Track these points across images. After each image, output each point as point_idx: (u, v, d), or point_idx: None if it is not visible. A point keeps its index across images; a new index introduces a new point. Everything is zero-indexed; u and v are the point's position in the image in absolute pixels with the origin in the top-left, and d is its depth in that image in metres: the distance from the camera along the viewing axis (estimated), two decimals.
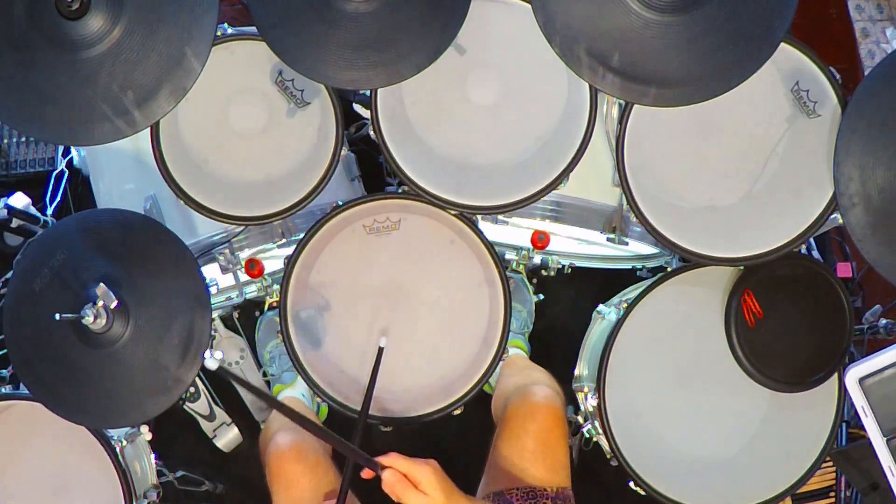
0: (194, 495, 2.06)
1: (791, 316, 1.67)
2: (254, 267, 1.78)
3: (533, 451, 1.56)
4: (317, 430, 1.40)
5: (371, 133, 1.64)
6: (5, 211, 2.11)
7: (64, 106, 1.40)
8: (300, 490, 1.55)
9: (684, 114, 1.54)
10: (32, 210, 2.19)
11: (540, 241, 1.82)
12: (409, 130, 1.69)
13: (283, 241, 1.78)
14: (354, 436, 1.49)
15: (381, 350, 1.56)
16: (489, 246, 1.70)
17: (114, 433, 1.63)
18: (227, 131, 1.69)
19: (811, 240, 1.93)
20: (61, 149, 2.30)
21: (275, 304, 1.91)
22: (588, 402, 1.73)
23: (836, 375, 1.68)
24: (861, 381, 1.47)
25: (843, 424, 1.84)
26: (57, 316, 1.35)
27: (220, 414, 2.13)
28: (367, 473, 1.31)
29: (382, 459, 1.29)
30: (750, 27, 1.41)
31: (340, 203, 1.69)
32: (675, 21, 1.39)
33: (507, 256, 2.05)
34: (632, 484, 1.69)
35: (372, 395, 1.55)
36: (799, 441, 1.72)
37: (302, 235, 1.69)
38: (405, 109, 1.69)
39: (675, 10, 1.39)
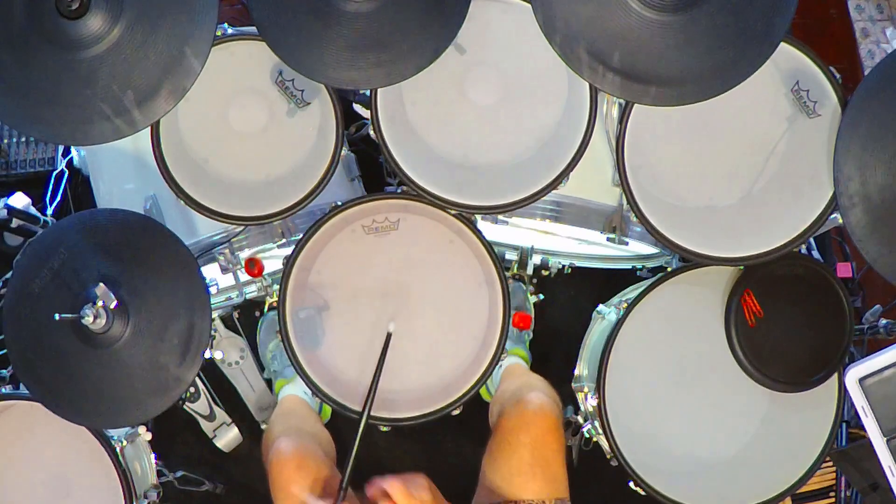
0: (194, 495, 2.06)
1: (791, 316, 1.67)
2: (253, 266, 1.78)
3: (530, 464, 1.55)
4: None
5: (371, 133, 1.64)
6: (5, 211, 2.11)
7: (64, 106, 1.40)
8: (302, 497, 1.55)
9: (684, 113, 1.54)
10: (32, 210, 2.18)
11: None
12: (409, 130, 1.69)
13: (283, 241, 1.78)
14: (362, 420, 1.52)
15: (389, 336, 1.55)
16: (488, 246, 1.70)
17: (114, 433, 1.63)
18: (227, 131, 1.69)
19: (811, 240, 1.93)
20: (61, 149, 2.30)
21: (275, 305, 1.91)
22: (588, 402, 1.73)
23: (836, 375, 1.67)
24: (861, 381, 1.47)
25: (843, 424, 1.84)
26: (57, 316, 1.36)
27: (220, 414, 2.13)
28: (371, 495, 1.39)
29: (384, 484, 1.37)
30: (750, 27, 1.41)
31: (340, 203, 1.69)
32: (675, 21, 1.40)
33: (507, 257, 2.05)
34: (632, 484, 1.69)
35: (379, 379, 1.54)
36: (799, 441, 1.72)
37: (301, 235, 1.69)
38: (405, 109, 1.69)
39: (675, 9, 1.39)
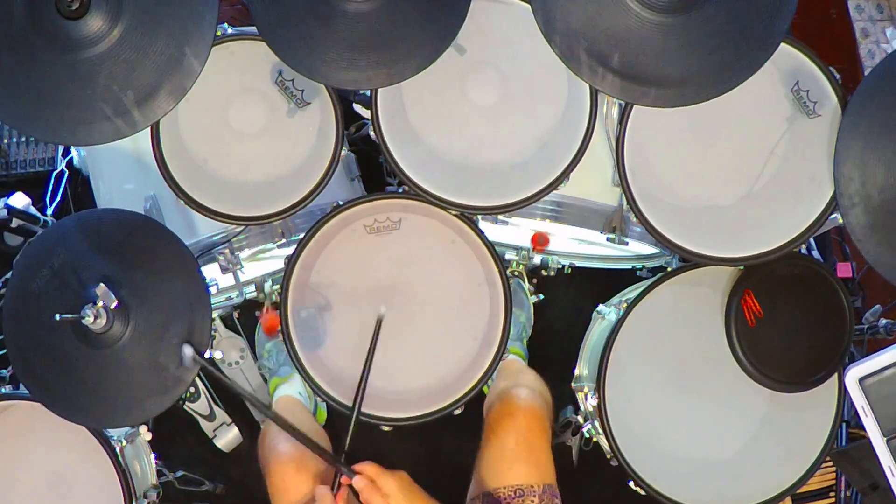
0: (194, 495, 2.06)
1: (791, 316, 1.67)
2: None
3: (514, 450, 1.57)
4: (302, 438, 1.45)
5: (371, 133, 1.64)
6: (5, 211, 2.11)
7: (64, 106, 1.40)
8: (300, 499, 1.55)
9: (684, 114, 1.54)
10: (32, 210, 2.18)
11: (539, 243, 1.81)
12: (409, 130, 1.69)
13: (283, 241, 1.78)
14: (353, 415, 1.52)
15: (380, 320, 1.55)
16: (489, 246, 1.70)
17: (114, 433, 1.63)
18: (227, 131, 1.69)
19: (811, 240, 1.93)
20: (61, 149, 2.30)
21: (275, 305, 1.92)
22: (588, 402, 1.73)
23: (836, 375, 1.67)
24: (861, 381, 1.47)
25: (843, 424, 1.84)
26: (57, 316, 1.35)
27: (220, 414, 2.13)
28: (345, 479, 1.43)
29: (357, 467, 1.41)
30: (750, 27, 1.41)
31: (340, 203, 1.69)
32: (675, 21, 1.39)
33: (507, 256, 2.05)
34: (632, 484, 1.69)
35: (370, 367, 1.53)
36: (799, 441, 1.72)
37: (302, 235, 1.69)
38: (405, 109, 1.69)
39: (675, 10, 1.39)
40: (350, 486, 1.41)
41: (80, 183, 2.25)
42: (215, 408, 2.12)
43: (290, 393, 2.00)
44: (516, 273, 2.09)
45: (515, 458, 1.57)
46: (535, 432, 1.60)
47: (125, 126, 1.41)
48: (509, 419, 1.61)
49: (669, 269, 1.73)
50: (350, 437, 1.49)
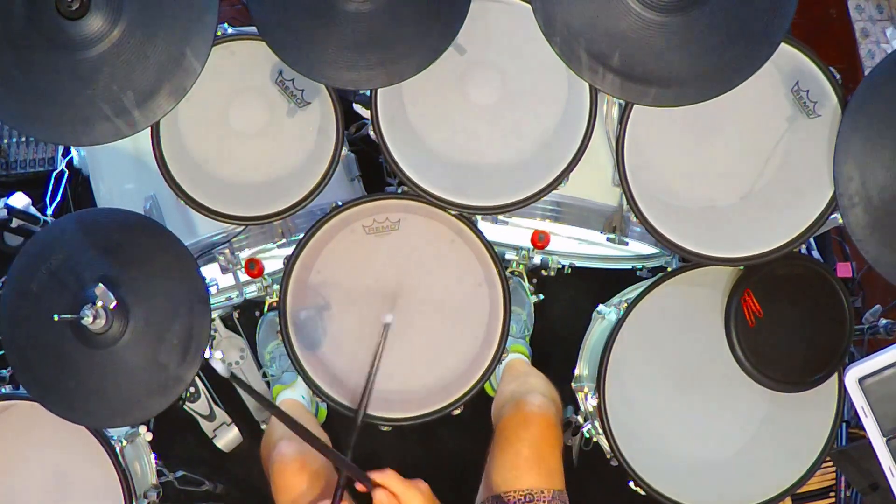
0: (194, 495, 2.06)
1: (791, 316, 1.67)
2: (254, 267, 1.78)
3: (527, 458, 1.57)
4: (312, 440, 1.42)
5: (371, 133, 1.64)
6: (5, 211, 2.11)
7: (64, 106, 1.40)
8: (303, 500, 1.55)
9: (684, 114, 1.54)
10: (32, 210, 2.18)
11: (540, 240, 1.81)
12: (409, 130, 1.69)
13: (283, 241, 1.78)
14: (355, 426, 1.51)
15: (386, 327, 1.55)
16: (489, 246, 1.70)
17: (114, 433, 1.63)
18: (227, 131, 1.70)
19: (811, 240, 1.93)
20: (61, 149, 2.30)
21: (275, 305, 1.91)
22: (588, 402, 1.74)
23: (836, 375, 1.68)
24: (861, 381, 1.46)
25: (843, 424, 1.84)
26: (56, 317, 1.35)
27: (220, 414, 2.13)
28: (360, 487, 1.38)
29: (376, 476, 1.36)
30: (750, 27, 1.41)
31: (340, 203, 1.69)
32: (675, 21, 1.40)
33: (507, 256, 2.05)
34: (632, 484, 1.69)
35: (375, 375, 1.55)
36: (799, 441, 1.72)
37: (302, 235, 1.69)
38: (405, 109, 1.69)
39: (675, 10, 1.39)
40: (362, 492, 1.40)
41: (80, 183, 2.24)
42: (215, 408, 2.12)
43: (292, 397, 2.00)
44: (517, 273, 2.09)
45: (527, 466, 1.56)
46: (548, 442, 1.59)
47: (125, 126, 1.41)
48: (523, 426, 1.60)
49: (669, 269, 1.73)
50: (354, 443, 1.47)
